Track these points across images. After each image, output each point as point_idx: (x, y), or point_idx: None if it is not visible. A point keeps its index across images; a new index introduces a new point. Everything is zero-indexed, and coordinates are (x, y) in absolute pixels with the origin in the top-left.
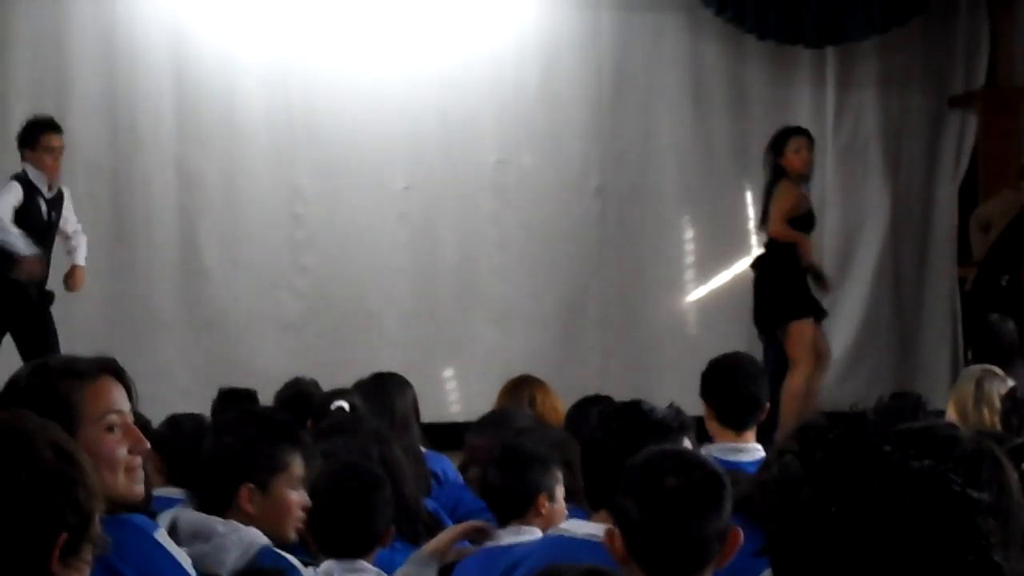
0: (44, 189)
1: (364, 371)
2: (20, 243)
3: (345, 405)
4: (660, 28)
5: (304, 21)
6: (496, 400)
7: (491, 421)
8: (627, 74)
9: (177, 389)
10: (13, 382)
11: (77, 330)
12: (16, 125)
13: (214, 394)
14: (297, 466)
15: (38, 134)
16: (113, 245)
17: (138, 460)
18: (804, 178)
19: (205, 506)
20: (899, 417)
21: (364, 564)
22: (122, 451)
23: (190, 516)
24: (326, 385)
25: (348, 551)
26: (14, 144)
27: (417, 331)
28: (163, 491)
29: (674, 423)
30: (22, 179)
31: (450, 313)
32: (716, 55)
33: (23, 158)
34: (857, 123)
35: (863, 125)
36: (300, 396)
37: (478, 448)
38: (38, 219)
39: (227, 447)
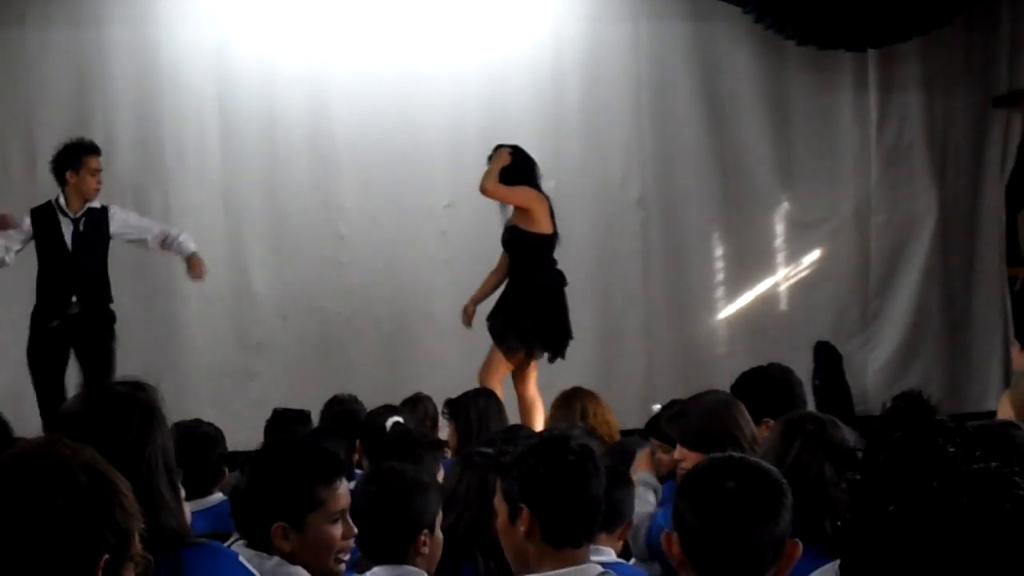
0: (68, 212)
1: (408, 389)
2: None
3: (401, 420)
4: (699, 37)
5: (344, 42)
6: (548, 413)
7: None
8: (666, 84)
9: (229, 412)
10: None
11: (129, 353)
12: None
13: (265, 415)
14: (336, 499)
15: (82, 155)
16: (162, 269)
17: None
18: None
19: (249, 541)
20: (907, 419)
21: (411, 569)
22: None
23: (243, 552)
24: (373, 403)
25: (394, 556)
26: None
27: (459, 348)
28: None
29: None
30: (38, 210)
31: None
32: (756, 62)
33: (63, 180)
34: (901, 126)
35: (907, 127)
36: (346, 413)
37: None
38: (58, 242)
39: (260, 485)
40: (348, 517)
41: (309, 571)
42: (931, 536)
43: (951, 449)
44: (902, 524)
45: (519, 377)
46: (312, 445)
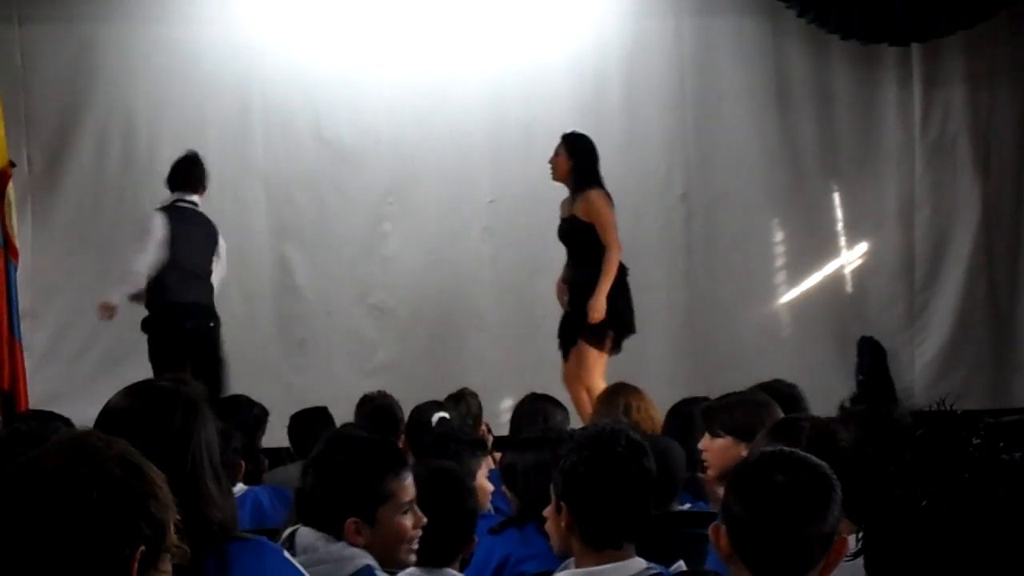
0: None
1: (451, 385)
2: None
3: (447, 416)
4: (742, 31)
5: (386, 38)
6: (591, 409)
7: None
8: (709, 79)
9: (272, 408)
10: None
11: None
12: (114, 149)
13: None
14: (404, 490)
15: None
16: None
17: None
18: None
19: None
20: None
21: (451, 572)
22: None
23: (307, 535)
24: (416, 400)
25: (434, 560)
26: (113, 171)
27: (504, 343)
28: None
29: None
30: (172, 210)
31: (536, 325)
32: (799, 57)
33: (197, 192)
34: (945, 120)
35: (951, 122)
36: (379, 410)
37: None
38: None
39: (329, 482)
40: (416, 507)
41: (381, 563)
42: (968, 529)
43: (976, 442)
44: (936, 519)
45: (577, 374)
46: (375, 439)
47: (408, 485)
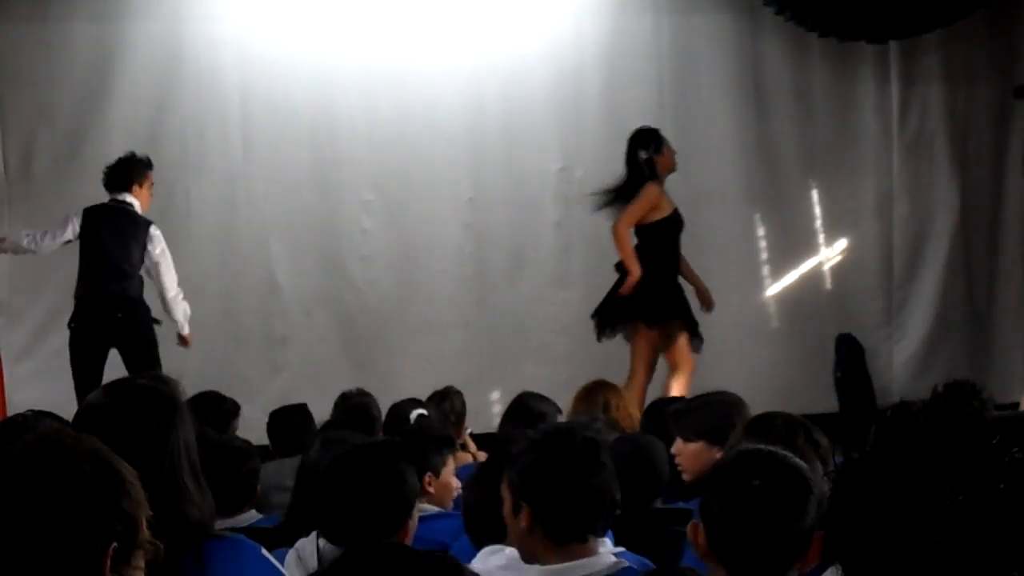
0: None
1: (432, 383)
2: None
3: (425, 413)
4: (720, 29)
5: (364, 34)
6: (570, 406)
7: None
8: (688, 77)
9: (255, 406)
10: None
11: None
12: (90, 150)
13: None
14: (451, 460)
15: (148, 171)
16: (186, 265)
17: None
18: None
19: None
20: (953, 407)
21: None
22: None
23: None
24: (395, 396)
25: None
26: (90, 173)
27: (483, 341)
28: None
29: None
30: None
31: (517, 322)
32: (778, 54)
33: (129, 190)
34: (923, 118)
35: (929, 119)
36: (356, 408)
37: None
38: None
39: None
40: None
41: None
42: (970, 532)
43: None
44: (932, 519)
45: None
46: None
47: (452, 458)
